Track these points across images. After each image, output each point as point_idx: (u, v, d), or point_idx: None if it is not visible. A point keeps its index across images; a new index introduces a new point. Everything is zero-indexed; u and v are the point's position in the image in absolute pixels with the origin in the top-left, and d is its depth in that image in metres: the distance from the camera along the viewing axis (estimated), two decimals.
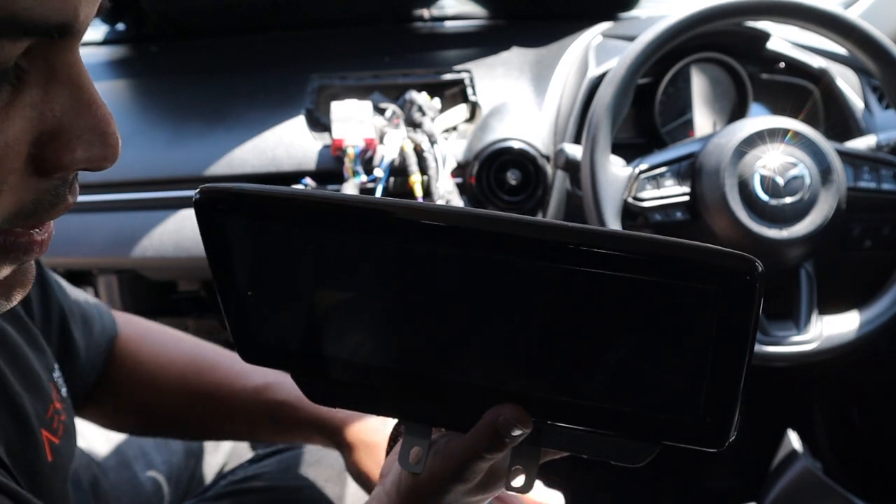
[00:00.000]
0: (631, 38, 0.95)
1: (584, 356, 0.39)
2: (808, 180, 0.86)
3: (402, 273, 0.39)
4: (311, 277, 0.40)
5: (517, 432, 0.39)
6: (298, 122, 1.03)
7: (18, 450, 0.49)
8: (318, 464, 0.76)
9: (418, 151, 0.98)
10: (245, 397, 0.68)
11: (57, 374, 0.58)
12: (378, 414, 0.47)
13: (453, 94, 1.10)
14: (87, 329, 0.66)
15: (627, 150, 0.97)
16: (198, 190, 0.39)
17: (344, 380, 0.43)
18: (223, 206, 0.39)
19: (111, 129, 0.34)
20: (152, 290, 1.12)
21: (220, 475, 0.83)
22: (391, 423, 0.60)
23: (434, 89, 1.08)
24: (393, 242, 0.38)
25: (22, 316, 0.56)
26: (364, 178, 0.95)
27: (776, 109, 1.10)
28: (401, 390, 0.43)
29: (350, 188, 0.95)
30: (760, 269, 0.34)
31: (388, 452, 0.52)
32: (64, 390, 0.58)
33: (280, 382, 0.68)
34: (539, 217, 0.34)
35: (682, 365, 0.38)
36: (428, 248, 0.38)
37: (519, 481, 0.43)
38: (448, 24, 1.30)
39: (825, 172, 0.87)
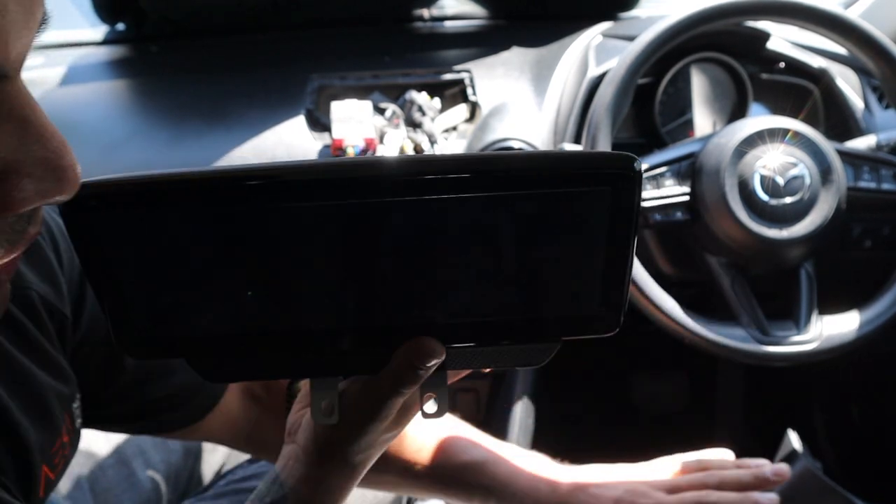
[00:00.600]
0: (631, 38, 0.95)
1: (486, 276, 0.40)
2: (808, 180, 0.86)
3: (280, 234, 0.39)
4: (187, 257, 0.40)
5: (432, 362, 0.40)
6: (298, 122, 1.03)
7: (11, 485, 0.47)
8: None
9: (418, 151, 0.98)
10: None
11: (77, 404, 0.55)
12: (282, 377, 0.47)
13: (453, 93, 1.10)
14: None
15: (627, 149, 0.96)
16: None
17: (240, 354, 0.43)
18: (92, 203, 0.37)
19: (65, 162, 0.32)
20: None
21: (219, 474, 0.83)
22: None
23: (434, 89, 1.08)
24: (267, 206, 0.38)
25: (40, 341, 0.53)
26: None
27: (776, 109, 1.10)
28: (300, 349, 0.42)
29: None
30: (638, 162, 0.38)
31: (287, 411, 0.51)
32: (79, 421, 0.56)
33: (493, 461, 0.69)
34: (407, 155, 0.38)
35: (579, 263, 0.40)
36: (302, 204, 0.38)
37: (432, 407, 0.44)
38: (448, 23, 1.30)
39: (825, 172, 0.87)
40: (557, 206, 0.39)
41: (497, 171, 0.38)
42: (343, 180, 0.37)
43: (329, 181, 0.37)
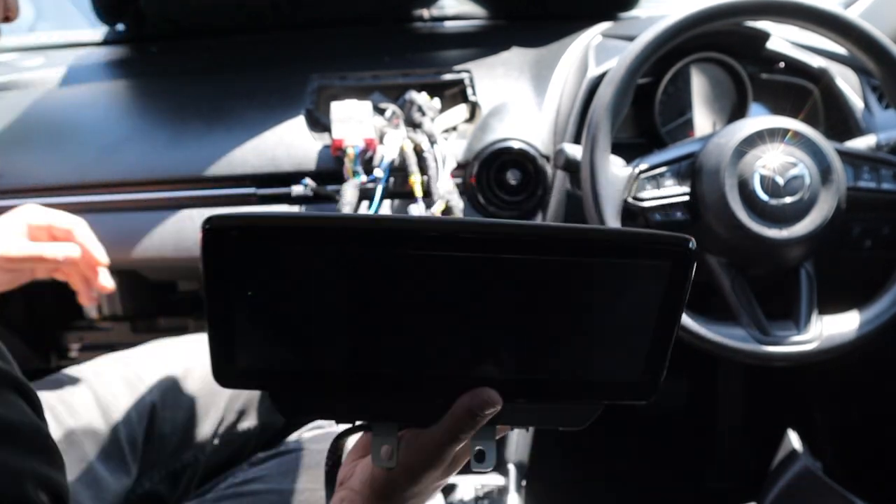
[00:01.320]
0: (631, 38, 0.95)
1: (544, 337, 0.44)
2: (807, 180, 0.86)
3: (370, 281, 0.42)
4: (303, 296, 0.43)
5: (490, 411, 0.43)
6: (298, 123, 1.03)
7: None
8: (318, 466, 0.76)
9: (418, 151, 0.98)
10: None
11: None
12: (347, 420, 0.49)
13: (453, 94, 1.10)
14: None
15: (627, 149, 0.97)
16: (206, 219, 0.40)
17: (316, 391, 0.46)
18: (235, 233, 0.40)
19: None
20: (152, 291, 1.12)
21: (220, 477, 0.83)
22: None
23: (434, 89, 1.08)
24: (370, 253, 0.41)
25: None
26: (364, 178, 0.95)
27: (776, 109, 1.10)
28: (368, 392, 0.46)
29: (350, 188, 0.95)
30: (693, 243, 0.42)
31: (337, 463, 0.54)
32: None
33: None
34: (499, 220, 0.40)
35: (633, 331, 0.44)
36: (395, 254, 0.41)
37: (481, 458, 0.47)
38: (448, 24, 1.30)
39: (825, 172, 0.87)
40: (623, 276, 0.42)
41: (573, 238, 0.41)
42: (447, 236, 0.41)
43: (432, 237, 0.41)
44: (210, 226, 0.40)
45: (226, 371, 0.44)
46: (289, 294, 0.42)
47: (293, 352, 0.44)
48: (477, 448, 0.48)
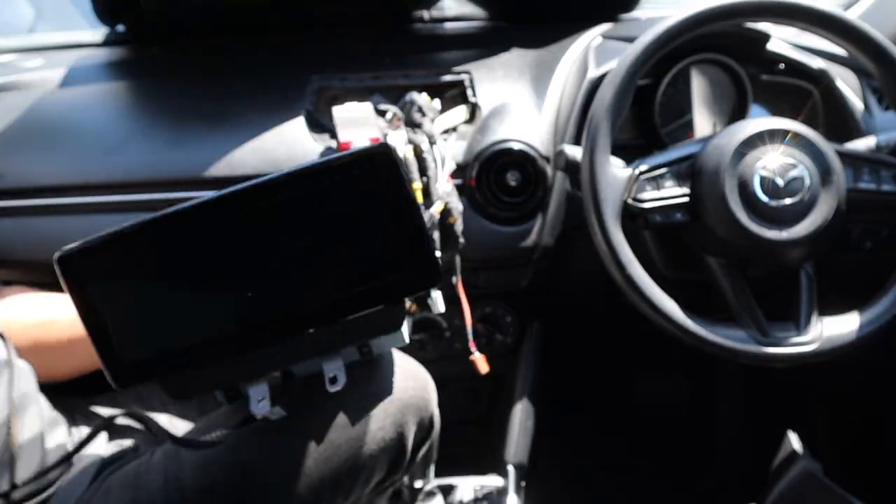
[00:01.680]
0: (631, 40, 0.95)
1: (310, 268, 0.55)
2: (807, 181, 0.86)
3: (182, 261, 0.55)
4: (148, 287, 0.55)
5: None
6: (298, 124, 1.03)
7: None
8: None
9: (418, 154, 0.97)
10: None
11: None
12: (226, 383, 0.61)
13: (453, 95, 1.10)
14: None
15: (627, 151, 0.97)
16: (55, 257, 0.53)
17: (195, 367, 0.57)
18: (76, 257, 0.53)
19: None
20: None
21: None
22: None
23: (434, 90, 1.08)
24: (170, 241, 0.55)
25: None
26: None
27: (776, 111, 1.11)
28: (229, 355, 0.57)
29: None
30: (391, 145, 0.54)
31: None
32: None
33: None
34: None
35: (374, 237, 0.54)
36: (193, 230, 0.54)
37: (334, 381, 0.61)
38: (448, 25, 1.30)
39: (825, 173, 0.87)
40: (344, 195, 0.53)
41: (289, 179, 0.53)
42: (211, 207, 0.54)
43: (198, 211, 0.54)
44: (58, 257, 0.53)
45: (118, 372, 0.55)
46: (133, 290, 0.55)
47: (160, 335, 0.55)
48: (330, 375, 0.61)
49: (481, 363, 1.04)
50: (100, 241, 0.53)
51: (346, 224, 0.54)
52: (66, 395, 0.87)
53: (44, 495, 0.72)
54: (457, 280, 1.01)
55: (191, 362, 0.56)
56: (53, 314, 0.87)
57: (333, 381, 0.61)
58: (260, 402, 0.58)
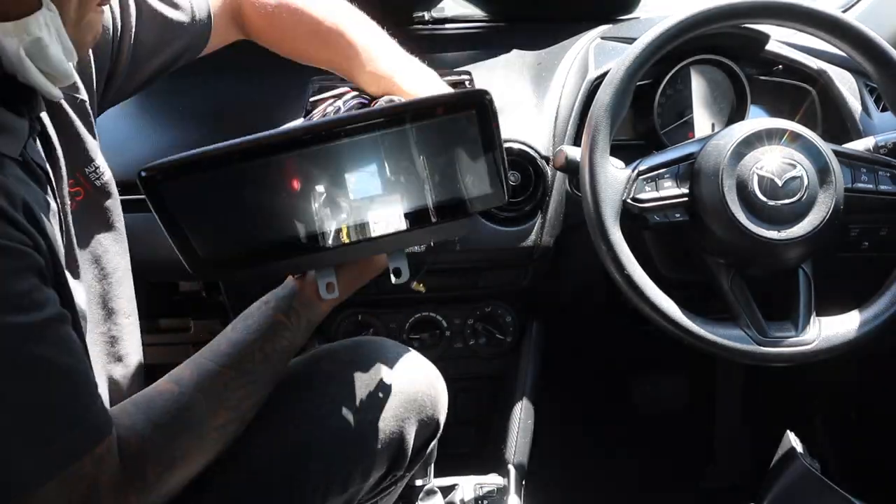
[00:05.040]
0: (630, 40, 0.95)
1: (418, 182, 0.64)
2: (805, 181, 0.87)
3: (268, 180, 0.62)
4: (227, 204, 0.63)
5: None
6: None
7: None
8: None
9: None
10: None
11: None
12: (301, 271, 0.74)
13: None
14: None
15: (627, 151, 0.98)
16: (139, 171, 0.59)
17: (267, 262, 0.67)
18: (160, 176, 0.59)
19: None
20: (153, 291, 1.12)
21: None
22: None
23: None
24: (263, 162, 0.61)
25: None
26: None
27: (774, 111, 1.11)
28: (307, 252, 0.66)
29: None
30: (489, 94, 0.61)
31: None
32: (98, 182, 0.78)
33: None
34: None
35: (472, 162, 0.64)
36: (281, 156, 0.61)
37: (398, 273, 0.70)
38: (448, 26, 1.30)
39: (823, 174, 0.88)
40: (450, 130, 0.62)
41: (398, 113, 0.61)
42: (304, 138, 0.60)
43: (296, 139, 0.60)
44: (144, 174, 0.59)
45: (196, 264, 0.64)
46: (211, 204, 0.62)
47: (235, 239, 0.65)
48: (393, 266, 0.70)
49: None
50: (180, 161, 0.59)
51: (457, 149, 0.63)
52: None
53: None
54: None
55: (262, 262, 0.66)
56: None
57: (398, 273, 0.69)
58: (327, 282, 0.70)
